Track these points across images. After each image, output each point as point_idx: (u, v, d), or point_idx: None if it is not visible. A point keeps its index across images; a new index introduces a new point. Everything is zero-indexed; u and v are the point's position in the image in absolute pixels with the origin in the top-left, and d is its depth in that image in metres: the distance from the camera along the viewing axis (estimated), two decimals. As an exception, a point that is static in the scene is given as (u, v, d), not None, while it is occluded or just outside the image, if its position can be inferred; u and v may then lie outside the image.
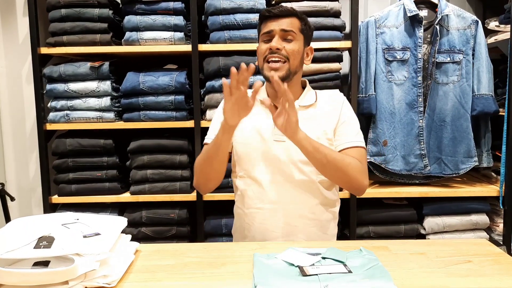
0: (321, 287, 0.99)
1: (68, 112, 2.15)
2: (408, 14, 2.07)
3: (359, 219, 2.18)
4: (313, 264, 1.10)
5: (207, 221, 2.18)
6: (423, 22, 2.08)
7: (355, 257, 1.14)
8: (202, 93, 2.16)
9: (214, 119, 1.55)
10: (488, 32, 2.23)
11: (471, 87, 2.13)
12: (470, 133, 2.14)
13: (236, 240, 1.57)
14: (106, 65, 2.12)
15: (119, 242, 1.18)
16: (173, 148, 2.15)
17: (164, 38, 2.10)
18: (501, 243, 2.15)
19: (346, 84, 2.40)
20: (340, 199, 1.57)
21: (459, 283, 1.05)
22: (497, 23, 2.17)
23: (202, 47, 2.11)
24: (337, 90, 1.64)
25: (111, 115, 2.16)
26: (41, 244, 1.03)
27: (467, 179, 2.34)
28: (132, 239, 1.26)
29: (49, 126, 2.16)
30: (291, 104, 1.25)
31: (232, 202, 1.59)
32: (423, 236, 2.21)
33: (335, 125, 1.46)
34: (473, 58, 2.13)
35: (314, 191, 1.44)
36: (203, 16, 2.16)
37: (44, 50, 2.13)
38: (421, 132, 2.13)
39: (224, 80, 1.25)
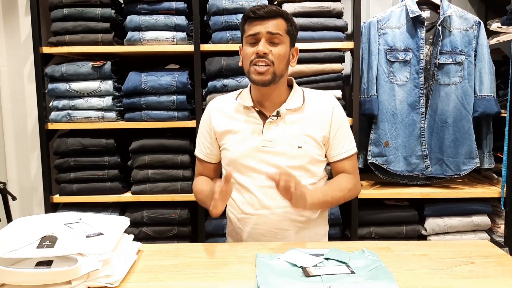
0: (324, 288, 0.99)
1: (69, 111, 2.14)
2: (410, 15, 2.07)
3: (360, 220, 2.18)
4: (316, 265, 1.10)
5: (208, 221, 2.18)
6: (425, 23, 2.08)
7: (358, 258, 1.14)
8: (204, 93, 2.15)
9: (198, 131, 1.58)
10: (490, 33, 2.23)
11: (473, 88, 2.13)
12: (472, 134, 2.13)
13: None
14: (108, 65, 2.12)
15: (121, 242, 1.18)
16: (175, 148, 2.15)
17: (166, 38, 2.10)
18: (503, 244, 2.15)
19: (348, 85, 2.40)
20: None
21: (462, 284, 1.05)
22: (499, 24, 2.17)
23: (204, 47, 2.11)
24: (327, 92, 1.64)
25: (112, 114, 2.16)
26: (44, 243, 1.03)
27: (468, 180, 2.34)
28: (133, 239, 1.26)
29: (51, 126, 2.16)
30: (297, 183, 1.26)
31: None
32: (424, 237, 2.21)
33: (327, 132, 1.47)
34: (475, 59, 2.13)
35: None
36: (205, 16, 2.16)
37: (46, 50, 2.13)
38: (423, 133, 2.12)
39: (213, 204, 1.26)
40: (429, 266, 1.15)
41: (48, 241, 1.04)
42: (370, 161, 2.16)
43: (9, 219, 2.13)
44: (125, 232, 1.23)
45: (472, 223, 2.18)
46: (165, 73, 2.12)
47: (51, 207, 2.18)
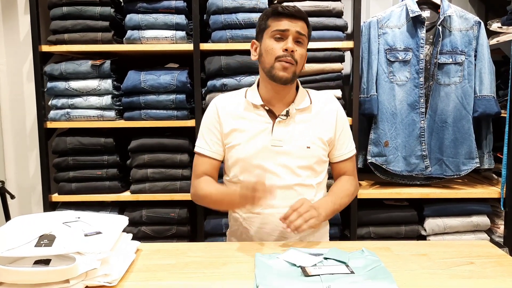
0: (323, 288, 0.99)
1: (68, 110, 2.14)
2: (411, 15, 2.07)
3: (359, 220, 2.17)
4: (315, 264, 1.10)
5: (207, 220, 2.18)
6: (426, 23, 2.08)
7: (357, 258, 1.14)
8: (203, 92, 2.15)
9: (202, 126, 1.53)
10: (491, 34, 2.22)
11: (473, 88, 2.13)
12: (472, 135, 2.13)
13: None
14: (107, 64, 2.12)
15: (120, 241, 1.18)
16: (174, 147, 2.15)
17: (166, 37, 2.09)
18: (503, 244, 2.15)
19: (348, 85, 2.39)
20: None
21: (461, 284, 1.05)
22: (499, 24, 2.17)
23: (204, 46, 2.10)
24: (330, 93, 1.64)
25: (112, 113, 2.15)
26: (42, 242, 1.03)
27: (468, 180, 2.34)
28: (132, 238, 1.26)
29: (50, 124, 2.16)
30: (312, 211, 1.29)
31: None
32: (423, 237, 2.21)
33: (333, 134, 1.49)
34: (475, 60, 2.13)
35: (309, 193, 1.45)
36: (205, 15, 2.16)
37: (45, 48, 2.12)
38: (423, 133, 2.12)
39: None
40: (428, 266, 1.15)
41: (46, 239, 1.03)
42: (369, 161, 2.16)
43: (7, 218, 2.13)
44: (124, 231, 1.22)
45: (471, 224, 2.18)
46: (165, 72, 2.12)
47: (49, 206, 2.17)
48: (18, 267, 0.98)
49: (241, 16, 2.07)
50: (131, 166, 2.16)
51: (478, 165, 2.15)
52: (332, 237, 2.11)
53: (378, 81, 2.12)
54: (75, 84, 2.12)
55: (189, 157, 2.15)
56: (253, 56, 1.48)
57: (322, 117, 1.49)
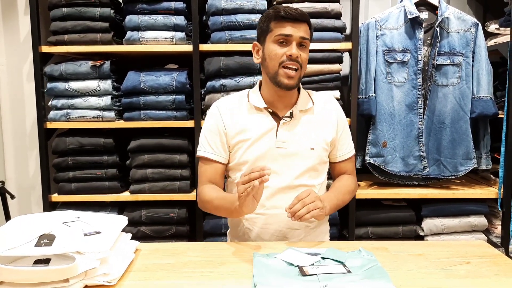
0: (320, 287, 0.99)
1: (68, 110, 2.15)
2: (409, 16, 2.08)
3: (357, 220, 2.18)
4: (313, 264, 1.11)
5: (206, 220, 2.19)
6: (424, 24, 2.09)
7: (355, 258, 1.15)
8: (202, 93, 2.16)
9: (205, 130, 1.50)
10: (488, 35, 2.23)
11: (470, 89, 2.14)
12: (469, 135, 2.14)
13: None
14: (107, 64, 2.12)
15: (119, 240, 1.18)
16: (173, 148, 2.16)
17: (165, 38, 2.10)
18: (499, 245, 2.16)
19: (346, 86, 2.40)
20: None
21: (457, 284, 1.06)
22: (497, 26, 2.18)
23: (203, 47, 2.11)
24: (330, 94, 1.65)
25: (111, 114, 2.16)
26: (42, 242, 1.03)
27: (465, 181, 2.35)
28: (131, 238, 1.27)
29: (50, 125, 2.16)
30: (317, 202, 1.30)
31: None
32: (421, 238, 2.22)
33: (335, 134, 1.51)
34: (473, 61, 2.14)
35: None
36: (204, 16, 2.17)
37: (45, 49, 2.13)
38: (421, 134, 2.13)
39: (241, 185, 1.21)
40: (425, 266, 1.16)
41: (46, 239, 1.04)
42: (368, 161, 2.17)
43: (7, 218, 2.13)
44: (123, 231, 1.23)
45: (469, 224, 2.19)
46: (164, 73, 2.13)
47: (49, 206, 2.18)
48: (18, 267, 0.99)
49: (240, 17, 2.08)
50: (131, 166, 2.17)
51: (476, 166, 2.16)
52: (331, 237, 2.11)
53: (377, 82, 2.13)
54: (75, 85, 2.13)
55: (188, 158, 2.16)
56: (256, 59, 1.47)
57: (324, 118, 1.50)
